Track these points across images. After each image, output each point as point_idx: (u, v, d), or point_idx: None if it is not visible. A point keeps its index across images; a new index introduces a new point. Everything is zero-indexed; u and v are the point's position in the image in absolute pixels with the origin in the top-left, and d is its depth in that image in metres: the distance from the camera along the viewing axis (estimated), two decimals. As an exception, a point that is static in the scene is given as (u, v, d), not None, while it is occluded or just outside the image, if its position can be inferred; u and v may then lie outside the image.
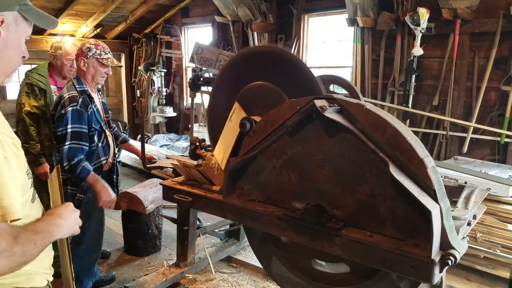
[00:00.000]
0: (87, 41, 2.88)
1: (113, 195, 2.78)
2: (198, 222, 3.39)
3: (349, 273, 2.03)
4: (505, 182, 3.61)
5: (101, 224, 3.12)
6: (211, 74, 2.94)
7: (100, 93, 3.09)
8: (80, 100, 2.71)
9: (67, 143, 2.67)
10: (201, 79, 2.81)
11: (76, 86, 2.77)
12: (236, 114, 2.30)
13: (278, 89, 2.19)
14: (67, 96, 2.71)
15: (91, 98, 2.82)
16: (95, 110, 2.83)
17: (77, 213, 1.42)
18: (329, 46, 6.36)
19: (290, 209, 1.89)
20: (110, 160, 3.02)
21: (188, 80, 3.00)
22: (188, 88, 2.90)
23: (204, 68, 2.88)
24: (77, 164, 2.68)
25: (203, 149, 2.80)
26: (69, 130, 2.67)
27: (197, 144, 2.82)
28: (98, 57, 2.82)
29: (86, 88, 2.80)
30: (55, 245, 1.46)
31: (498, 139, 4.53)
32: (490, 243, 3.50)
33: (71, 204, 1.42)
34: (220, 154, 2.31)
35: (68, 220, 1.36)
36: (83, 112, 2.73)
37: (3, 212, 1.14)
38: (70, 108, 2.68)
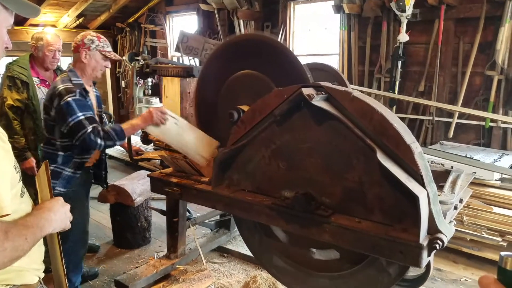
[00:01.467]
0: (87, 32, 2.80)
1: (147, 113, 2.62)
2: (187, 213, 3.39)
3: (338, 259, 2.05)
4: (488, 168, 3.67)
5: (87, 219, 3.07)
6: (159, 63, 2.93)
7: (94, 86, 3.01)
8: (77, 92, 2.61)
9: (88, 128, 2.51)
10: (149, 67, 2.79)
11: (72, 79, 2.65)
12: (169, 87, 2.33)
13: (265, 78, 2.17)
14: (62, 87, 2.58)
15: (86, 92, 2.72)
16: (90, 104, 2.75)
17: (67, 207, 1.40)
18: (315, 33, 6.34)
19: (279, 198, 1.89)
20: (94, 156, 2.95)
21: (136, 68, 2.99)
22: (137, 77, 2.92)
23: (151, 57, 2.88)
24: (105, 132, 2.57)
25: None
26: (81, 117, 2.54)
27: None
28: (101, 49, 2.75)
29: (81, 81, 2.70)
30: (45, 240, 1.44)
31: (483, 123, 4.59)
32: (476, 226, 3.57)
33: (61, 198, 1.40)
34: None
35: (58, 214, 1.34)
36: (84, 101, 2.64)
37: None
38: (71, 98, 2.55)
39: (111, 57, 2.81)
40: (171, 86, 2.40)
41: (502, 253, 0.68)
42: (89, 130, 2.52)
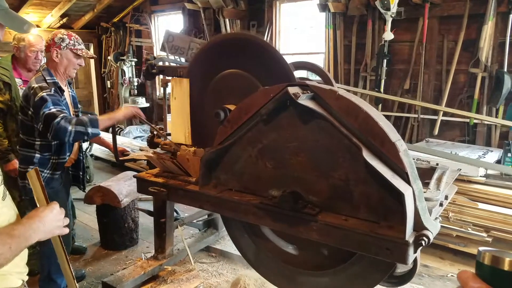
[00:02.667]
0: (58, 31, 2.77)
1: (128, 108, 2.69)
2: (175, 214, 3.37)
3: (326, 256, 2.06)
4: (474, 163, 3.71)
5: (69, 219, 3.04)
6: (166, 63, 2.90)
7: (70, 86, 2.99)
8: (53, 89, 2.61)
9: (58, 118, 2.48)
10: (155, 67, 2.77)
11: (46, 78, 2.64)
12: (177, 89, 2.31)
13: (251, 77, 2.17)
14: (37, 85, 2.57)
15: (61, 91, 2.72)
16: (64, 103, 2.74)
17: (62, 214, 1.39)
18: (301, 32, 6.36)
19: (267, 197, 1.89)
20: (73, 156, 2.94)
21: (142, 69, 2.97)
22: (159, 78, 2.86)
23: (157, 57, 2.84)
24: (79, 120, 2.53)
25: (161, 138, 2.76)
26: (53, 109, 2.51)
27: (155, 133, 2.79)
28: (72, 47, 2.72)
29: (56, 80, 2.69)
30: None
31: (468, 120, 4.65)
32: (462, 222, 3.61)
33: (56, 205, 1.39)
34: (181, 133, 2.30)
35: (48, 224, 1.32)
36: (59, 96, 2.62)
37: None
38: (45, 93, 2.53)
39: (82, 55, 2.77)
40: (180, 87, 2.38)
41: (481, 248, 0.69)
42: (58, 118, 2.48)
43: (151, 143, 2.79)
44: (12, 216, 1.37)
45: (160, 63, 2.82)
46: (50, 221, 1.34)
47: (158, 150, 2.68)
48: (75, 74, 2.91)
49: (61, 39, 2.69)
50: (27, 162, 2.71)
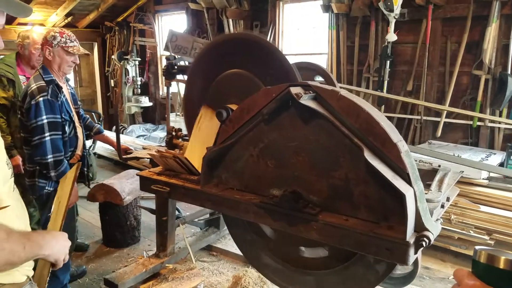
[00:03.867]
0: (51, 29, 2.78)
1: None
2: (177, 212, 3.38)
3: (327, 257, 2.06)
4: (476, 166, 3.71)
5: (73, 218, 3.07)
6: (186, 62, 2.90)
7: (68, 83, 3.00)
8: (50, 90, 2.63)
9: (46, 134, 2.58)
10: (176, 67, 2.77)
11: (43, 76, 2.67)
12: (206, 119, 2.29)
13: (253, 77, 2.18)
14: (35, 87, 2.61)
15: (59, 88, 2.73)
16: (64, 100, 2.75)
17: (68, 244, 1.41)
18: (304, 33, 6.36)
19: (267, 196, 1.90)
20: (78, 152, 2.95)
21: (162, 68, 2.97)
22: (164, 77, 2.85)
23: (178, 56, 2.84)
24: (63, 160, 2.63)
25: (179, 139, 2.77)
26: (45, 121, 2.58)
27: (174, 133, 2.80)
28: (64, 45, 2.72)
29: (53, 78, 2.71)
30: None
31: (471, 122, 4.64)
32: (464, 225, 3.61)
33: (66, 234, 1.42)
34: (198, 159, 2.25)
35: (58, 245, 1.35)
36: (55, 102, 2.65)
37: None
38: (41, 99, 2.58)
39: (74, 52, 2.78)
40: (208, 120, 2.37)
41: (477, 247, 0.70)
42: (47, 138, 2.58)
43: (170, 144, 2.80)
44: (19, 208, 1.39)
45: (182, 63, 2.82)
46: (62, 243, 1.37)
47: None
48: (80, 73, 2.93)
49: (52, 37, 2.71)
50: (33, 161, 2.73)
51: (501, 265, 0.65)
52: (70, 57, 2.78)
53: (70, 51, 2.74)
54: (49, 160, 2.61)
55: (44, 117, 2.58)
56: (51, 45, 2.70)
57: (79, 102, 3.08)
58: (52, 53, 2.71)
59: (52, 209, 1.54)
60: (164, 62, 2.89)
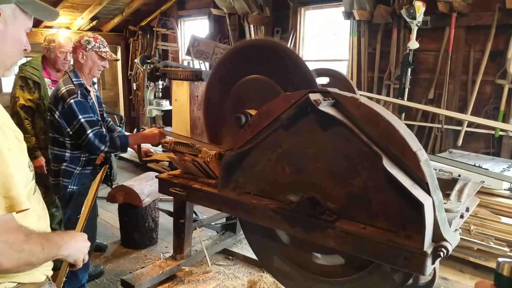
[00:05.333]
0: (85, 34, 2.87)
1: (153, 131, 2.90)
2: (194, 215, 3.41)
3: (343, 265, 2.06)
4: (496, 176, 3.63)
5: (94, 217, 3.12)
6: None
7: (94, 86, 3.08)
8: (79, 92, 2.70)
9: (88, 131, 2.66)
10: (158, 71, 2.83)
11: (73, 80, 2.75)
12: (178, 91, 2.35)
13: (273, 83, 2.19)
14: (64, 90, 2.68)
15: (87, 91, 2.81)
16: (91, 103, 2.83)
17: (88, 245, 1.44)
18: (325, 39, 6.35)
19: (284, 202, 1.91)
20: (102, 153, 3.02)
21: (147, 71, 3.06)
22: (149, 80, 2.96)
23: (160, 60, 2.93)
24: (111, 140, 2.74)
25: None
26: (82, 120, 2.66)
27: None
28: (97, 50, 2.81)
29: (82, 81, 2.79)
30: None
31: (493, 132, 4.55)
32: (484, 236, 3.53)
33: (85, 235, 1.45)
34: (182, 128, 2.33)
35: (77, 245, 1.38)
36: (85, 102, 2.73)
37: (12, 203, 1.13)
38: (73, 100, 2.65)
39: (107, 57, 2.87)
40: (180, 89, 2.43)
41: (500, 259, 0.69)
42: (90, 134, 2.66)
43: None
44: (40, 209, 1.42)
45: (162, 66, 2.89)
46: (81, 243, 1.40)
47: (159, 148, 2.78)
48: (103, 76, 3.02)
49: (87, 42, 2.79)
50: (59, 160, 2.80)
51: None
52: (101, 61, 2.87)
53: (103, 55, 2.83)
54: (105, 149, 2.74)
55: (80, 117, 2.67)
56: (85, 49, 2.78)
57: (103, 105, 3.15)
58: (85, 57, 2.80)
59: (81, 212, 1.58)
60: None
